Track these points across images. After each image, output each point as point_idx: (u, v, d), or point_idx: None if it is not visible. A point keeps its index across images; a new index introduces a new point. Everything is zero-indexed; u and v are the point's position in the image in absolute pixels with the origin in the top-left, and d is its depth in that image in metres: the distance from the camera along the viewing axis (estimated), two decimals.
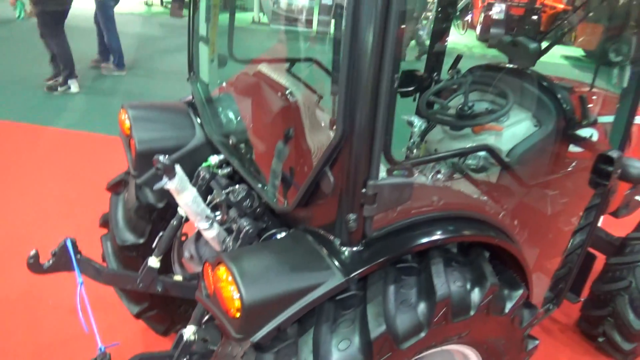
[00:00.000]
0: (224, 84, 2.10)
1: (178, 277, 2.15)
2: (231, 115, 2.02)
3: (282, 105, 1.56)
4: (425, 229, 1.41)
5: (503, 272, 1.66)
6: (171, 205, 2.06)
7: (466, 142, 2.18)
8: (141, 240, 2.19)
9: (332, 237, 1.33)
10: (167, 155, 1.57)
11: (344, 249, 1.30)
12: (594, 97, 2.43)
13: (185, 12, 11.59)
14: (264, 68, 1.77)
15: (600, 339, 2.72)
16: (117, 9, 7.00)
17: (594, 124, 2.22)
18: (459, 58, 2.65)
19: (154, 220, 2.18)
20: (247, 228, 1.61)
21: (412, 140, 2.52)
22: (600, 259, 2.62)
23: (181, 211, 1.93)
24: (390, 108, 1.19)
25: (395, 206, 1.28)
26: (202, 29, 2.00)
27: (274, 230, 1.62)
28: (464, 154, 1.99)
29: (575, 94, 2.30)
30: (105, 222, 2.37)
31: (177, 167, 1.60)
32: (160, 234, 2.03)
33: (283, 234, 1.57)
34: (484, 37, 11.75)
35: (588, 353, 2.83)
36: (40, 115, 5.44)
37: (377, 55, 1.08)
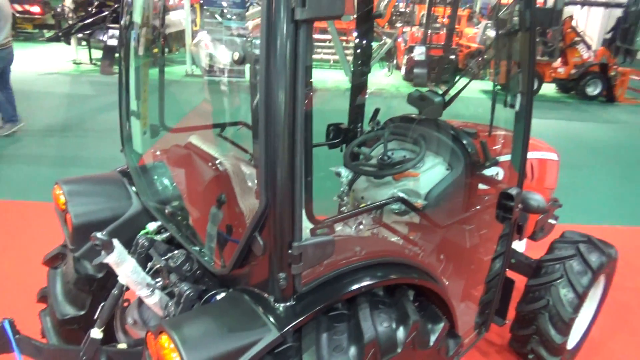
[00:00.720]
0: (157, 153, 2.20)
1: (122, 345, 2.16)
2: (166, 183, 2.12)
3: (213, 175, 1.69)
4: (352, 277, 1.57)
5: (426, 307, 1.84)
6: (111, 274, 2.09)
7: (388, 189, 2.40)
8: (82, 312, 2.19)
9: (266, 295, 1.45)
10: (104, 231, 1.64)
11: (278, 305, 1.42)
12: (498, 138, 2.74)
13: (116, 68, 11.60)
14: (194, 139, 1.90)
15: (530, 356, 2.95)
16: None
17: (495, 164, 2.51)
18: (377, 111, 2.92)
19: (94, 291, 2.20)
20: (187, 292, 1.69)
21: (341, 189, 2.71)
22: (523, 281, 2.89)
23: (122, 280, 1.98)
24: (307, 176, 1.36)
25: (320, 262, 1.42)
26: (133, 104, 2.11)
27: (213, 292, 1.71)
28: (379, 206, 2.17)
29: (479, 138, 2.60)
30: (43, 297, 2.35)
31: (115, 241, 1.67)
32: (102, 304, 2.05)
33: (222, 295, 1.66)
34: (409, 77, 12.51)
35: None
36: None
37: (290, 127, 1.25)
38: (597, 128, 9.93)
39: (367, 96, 3.18)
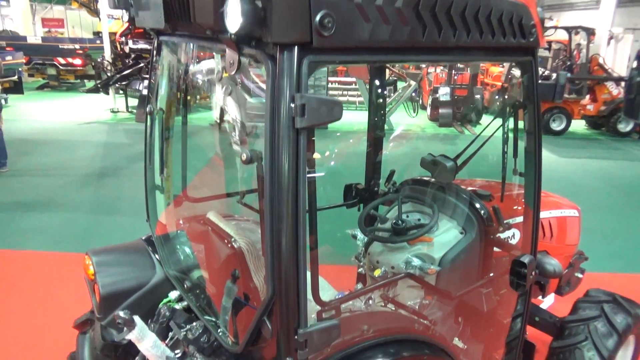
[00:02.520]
0: (179, 225, 2.33)
1: None
2: (185, 255, 2.24)
3: (228, 252, 1.78)
4: (361, 357, 1.61)
5: None
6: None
7: (403, 254, 2.44)
8: None
9: None
10: (126, 310, 1.75)
11: None
12: (514, 198, 2.76)
13: None
14: (212, 216, 2.01)
15: None
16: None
17: (509, 228, 2.53)
18: (392, 173, 2.99)
19: (119, 356, 2.30)
20: None
21: (357, 251, 2.76)
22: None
23: (143, 352, 2.07)
24: (313, 264, 1.44)
25: (326, 346, 1.48)
26: (157, 179, 2.26)
27: None
28: (386, 284, 2.19)
29: (493, 199, 2.63)
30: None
31: (136, 319, 1.77)
32: None
33: None
34: (434, 117, 12.58)
35: None
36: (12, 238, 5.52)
37: (293, 224, 1.33)
38: (630, 167, 9.68)
39: (384, 153, 3.26)
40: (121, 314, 1.72)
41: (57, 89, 17.24)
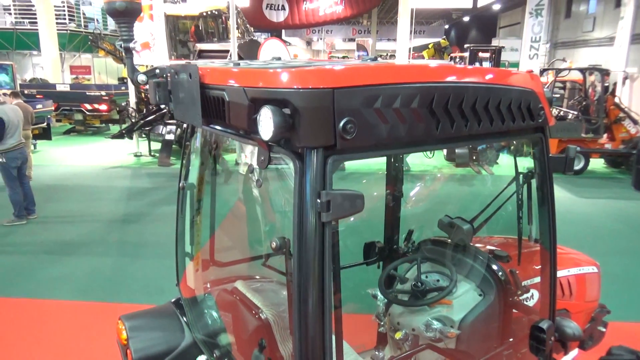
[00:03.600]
0: (207, 291, 2.44)
1: None
2: (212, 323, 2.34)
3: (256, 324, 1.88)
4: None
5: None
6: None
7: (423, 316, 2.50)
8: None
9: None
10: None
11: None
12: (532, 256, 2.81)
13: (173, 160, 12.50)
14: (240, 285, 2.13)
15: None
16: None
17: (527, 291, 2.58)
18: (410, 232, 3.08)
19: None
20: None
21: (378, 311, 2.83)
22: None
23: None
24: (338, 341, 1.53)
25: None
26: (187, 248, 2.39)
27: None
28: (407, 357, 2.25)
29: (510, 260, 2.69)
30: None
31: None
32: None
33: None
34: (450, 157, 12.66)
35: None
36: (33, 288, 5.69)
37: (320, 321, 1.43)
38: None
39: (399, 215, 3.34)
40: None
41: (83, 134, 17.89)
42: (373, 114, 1.41)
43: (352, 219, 2.97)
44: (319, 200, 1.39)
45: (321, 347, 1.45)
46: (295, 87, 1.33)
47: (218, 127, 1.75)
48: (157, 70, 1.87)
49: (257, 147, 1.54)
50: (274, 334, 1.90)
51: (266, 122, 1.34)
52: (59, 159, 13.34)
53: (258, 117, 1.37)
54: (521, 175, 2.33)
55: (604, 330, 3.64)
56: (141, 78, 1.85)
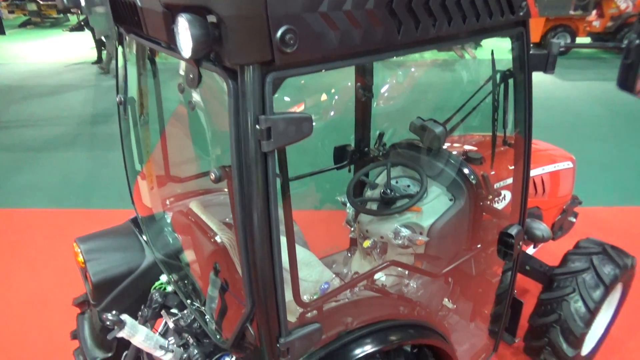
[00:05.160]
0: (163, 207, 2.31)
1: None
2: (170, 243, 2.23)
3: (212, 248, 1.78)
4: (345, 350, 1.66)
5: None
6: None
7: (391, 223, 2.43)
8: (109, 355, 2.38)
9: None
10: (114, 312, 1.78)
11: None
12: (506, 157, 2.70)
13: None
14: (194, 207, 1.99)
15: None
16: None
17: (498, 195, 2.50)
18: (381, 135, 2.92)
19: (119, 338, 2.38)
20: (195, 357, 1.84)
21: (348, 218, 2.76)
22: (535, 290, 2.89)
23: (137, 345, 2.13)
24: (292, 268, 1.44)
25: (308, 349, 1.51)
26: (137, 166, 2.21)
27: (220, 355, 1.85)
28: (370, 275, 2.18)
29: (484, 162, 2.58)
30: (75, 337, 2.56)
31: (125, 317, 1.81)
32: (125, 353, 2.23)
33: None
34: None
35: None
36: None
37: (267, 242, 1.31)
38: None
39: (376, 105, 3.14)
40: (109, 316, 1.75)
41: (40, 26, 16.55)
42: (318, 20, 1.16)
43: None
44: (257, 127, 1.19)
45: (271, 279, 1.36)
46: None
47: (141, 37, 1.47)
48: None
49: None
50: (230, 256, 1.80)
51: (184, 35, 1.09)
52: (16, 56, 12.45)
53: (176, 28, 1.12)
54: (498, 74, 2.12)
55: (574, 220, 3.69)
56: None
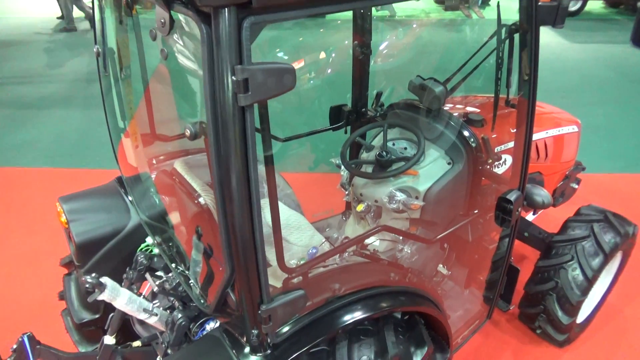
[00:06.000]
0: (149, 169, 2.21)
1: (137, 343, 2.33)
2: (155, 205, 2.15)
3: (195, 210, 1.70)
4: (332, 317, 1.60)
5: (414, 326, 1.87)
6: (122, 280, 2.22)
7: (387, 186, 2.34)
8: (97, 316, 2.35)
9: (244, 341, 1.51)
10: (93, 274, 1.72)
11: (252, 356, 1.48)
12: (508, 119, 2.58)
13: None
14: (178, 166, 1.89)
15: (538, 331, 2.99)
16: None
17: (499, 159, 2.39)
18: (379, 95, 2.79)
19: None
20: (180, 321, 1.79)
21: (342, 181, 2.67)
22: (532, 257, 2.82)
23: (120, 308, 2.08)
24: (275, 231, 1.36)
25: (292, 316, 1.45)
26: (120, 124, 2.10)
27: (204, 319, 1.80)
28: (361, 240, 2.09)
29: (485, 125, 2.47)
30: (62, 297, 2.52)
31: (105, 280, 1.75)
32: (111, 315, 2.19)
33: (212, 324, 1.75)
34: (440, 1, 11.68)
35: (533, 342, 3.10)
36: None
37: (247, 205, 1.23)
38: None
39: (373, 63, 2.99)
40: (88, 278, 1.69)
41: None
42: None
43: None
44: (233, 78, 1.08)
45: (251, 243, 1.28)
46: None
47: None
48: None
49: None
50: (214, 219, 1.72)
51: None
52: (7, 10, 12.10)
53: None
54: (504, 28, 1.98)
55: (576, 187, 3.59)
56: None
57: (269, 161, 1.30)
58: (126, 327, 2.19)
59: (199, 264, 1.72)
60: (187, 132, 1.23)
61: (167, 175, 1.90)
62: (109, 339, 2.17)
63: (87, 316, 2.35)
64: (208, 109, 1.12)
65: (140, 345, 2.28)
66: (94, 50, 1.88)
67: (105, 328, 2.17)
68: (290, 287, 1.49)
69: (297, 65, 2.52)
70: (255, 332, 1.42)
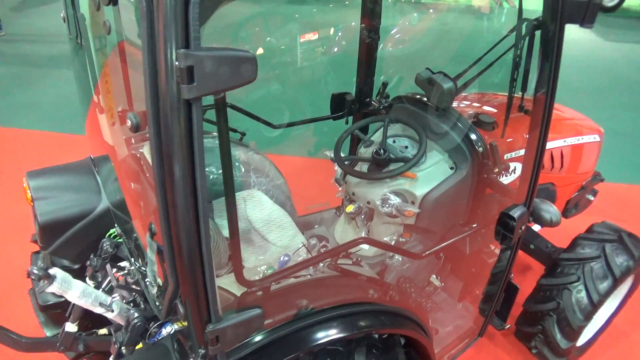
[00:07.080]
0: (119, 147, 2.04)
1: (103, 331, 2.20)
2: (120, 190, 1.98)
3: (153, 205, 1.52)
4: (294, 337, 1.43)
5: (390, 351, 1.70)
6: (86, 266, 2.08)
7: (381, 188, 2.15)
8: (63, 299, 2.21)
9: (192, 358, 1.35)
10: (40, 263, 1.56)
11: None
12: (521, 124, 2.35)
13: None
14: (146, 151, 1.72)
15: (534, 351, 2.80)
16: None
17: (506, 169, 2.17)
18: (384, 85, 2.56)
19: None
20: (134, 322, 1.64)
21: (336, 176, 2.48)
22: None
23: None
24: (234, 244, 1.18)
25: (245, 338, 1.28)
26: (94, 97, 1.92)
27: (159, 323, 1.65)
28: (337, 253, 1.87)
29: (496, 127, 2.24)
30: (29, 275, 2.39)
31: (54, 271, 1.60)
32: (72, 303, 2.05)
33: (169, 328, 1.59)
34: None
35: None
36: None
37: (193, 210, 1.05)
38: None
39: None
40: (34, 269, 1.54)
41: None
42: None
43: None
44: (177, 65, 0.88)
45: (198, 256, 1.10)
46: None
47: None
48: None
49: None
50: None
51: None
52: None
53: None
54: (525, 24, 1.74)
55: (592, 199, 3.35)
56: None
57: (226, 164, 1.11)
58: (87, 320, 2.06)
59: (154, 264, 1.56)
60: (129, 122, 1.04)
61: (135, 160, 1.73)
62: (70, 326, 2.04)
63: (51, 299, 2.21)
64: (148, 100, 0.94)
65: (107, 334, 2.15)
66: (61, 15, 1.69)
67: (67, 315, 2.04)
68: (249, 302, 1.32)
69: (314, 36, 2.29)
70: (202, 351, 1.25)
